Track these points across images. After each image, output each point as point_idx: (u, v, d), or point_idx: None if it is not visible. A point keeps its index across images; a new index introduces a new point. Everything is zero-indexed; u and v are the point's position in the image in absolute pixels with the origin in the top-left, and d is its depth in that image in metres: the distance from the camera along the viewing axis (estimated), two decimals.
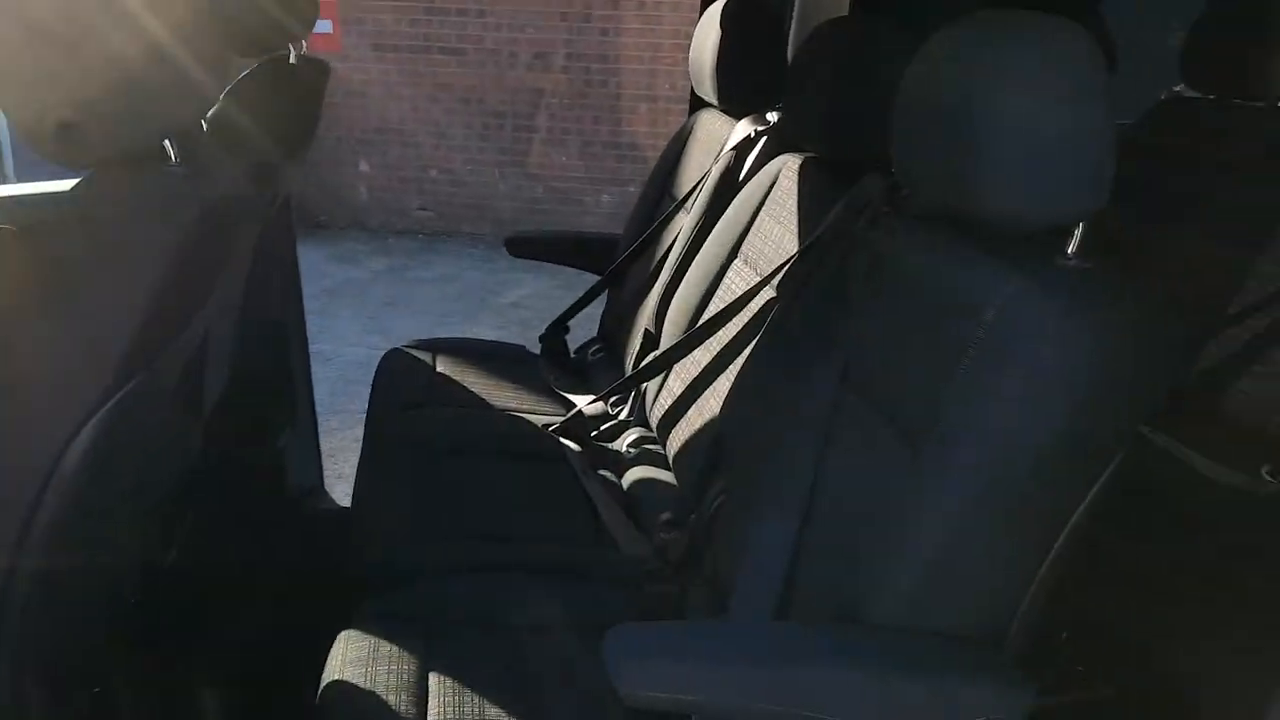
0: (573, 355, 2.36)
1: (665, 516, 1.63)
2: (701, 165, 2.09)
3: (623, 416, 1.98)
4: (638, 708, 0.93)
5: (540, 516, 1.63)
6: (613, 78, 5.79)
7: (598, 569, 1.50)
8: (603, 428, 1.96)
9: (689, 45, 2.10)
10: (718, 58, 1.96)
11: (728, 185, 1.91)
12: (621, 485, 1.79)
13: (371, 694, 1.15)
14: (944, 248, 1.11)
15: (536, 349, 2.35)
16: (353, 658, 1.21)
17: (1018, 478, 0.94)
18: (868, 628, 0.99)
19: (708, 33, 2.01)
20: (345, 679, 1.18)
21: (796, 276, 1.50)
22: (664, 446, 1.79)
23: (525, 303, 4.87)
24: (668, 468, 1.77)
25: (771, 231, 1.69)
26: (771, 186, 1.73)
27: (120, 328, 0.90)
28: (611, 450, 1.91)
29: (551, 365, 2.25)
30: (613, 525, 1.62)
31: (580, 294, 2.33)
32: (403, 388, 2.00)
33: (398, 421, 1.86)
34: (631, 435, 1.91)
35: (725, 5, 1.99)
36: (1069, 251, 1.00)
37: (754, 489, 1.31)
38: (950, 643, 0.99)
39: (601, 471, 1.82)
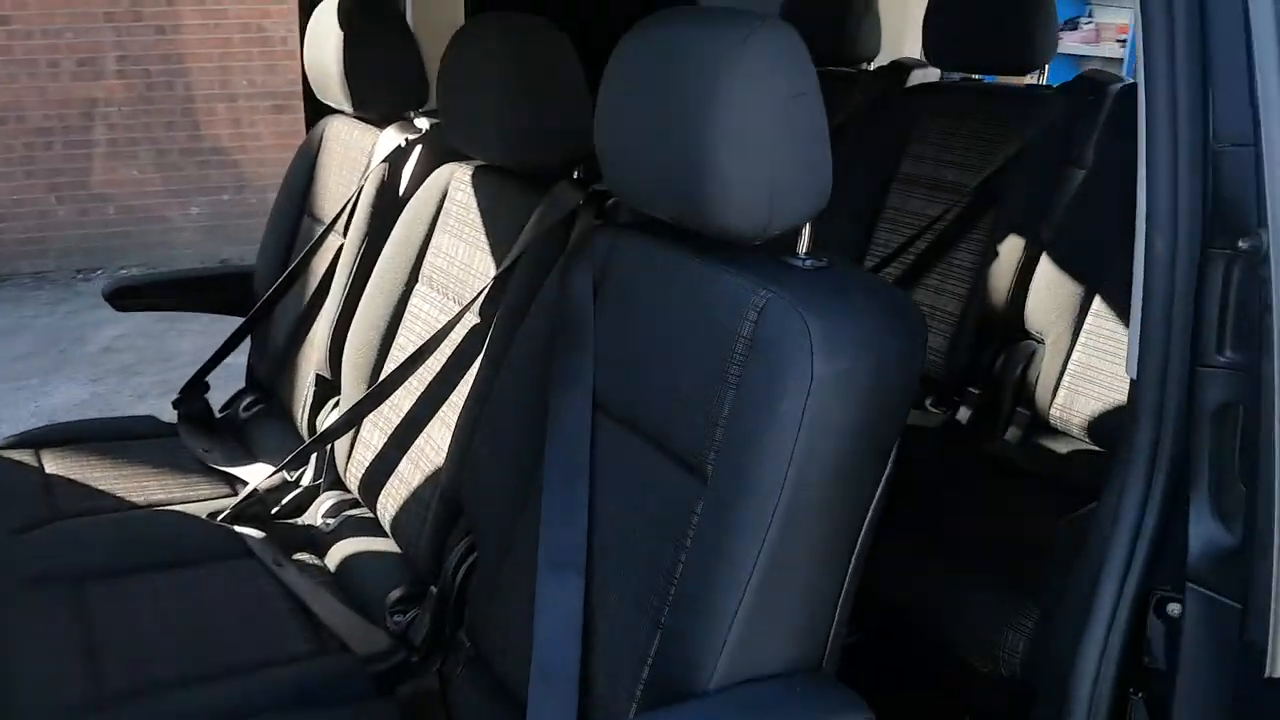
0: (219, 416, 2.00)
1: (396, 594, 1.40)
2: (344, 180, 1.83)
3: (306, 482, 1.69)
4: None
5: (236, 637, 1.33)
6: (179, 79, 5.15)
7: (332, 686, 1.25)
8: (285, 501, 1.66)
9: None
10: (346, 61, 1.72)
11: (387, 201, 1.68)
12: (328, 567, 1.53)
13: None
14: (676, 260, 1.04)
15: (167, 415, 1.96)
16: None
17: (813, 493, 0.89)
18: (706, 701, 0.89)
19: (326, 34, 1.75)
20: None
21: (505, 299, 1.35)
22: (372, 509, 1.55)
23: (121, 344, 4.17)
24: (381, 533, 1.54)
25: (454, 250, 1.50)
26: (442, 200, 1.54)
27: None
28: (303, 526, 1.63)
29: (196, 435, 1.88)
30: (334, 622, 1.36)
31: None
32: (10, 502, 1.56)
33: (15, 552, 1.44)
34: (326, 502, 1.64)
35: (340, 3, 1.75)
36: (801, 252, 0.98)
37: (515, 541, 1.16)
38: (781, 685, 0.92)
39: (298, 556, 1.54)
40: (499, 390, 1.24)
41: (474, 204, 1.48)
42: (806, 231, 0.98)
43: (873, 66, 2.44)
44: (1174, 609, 0.85)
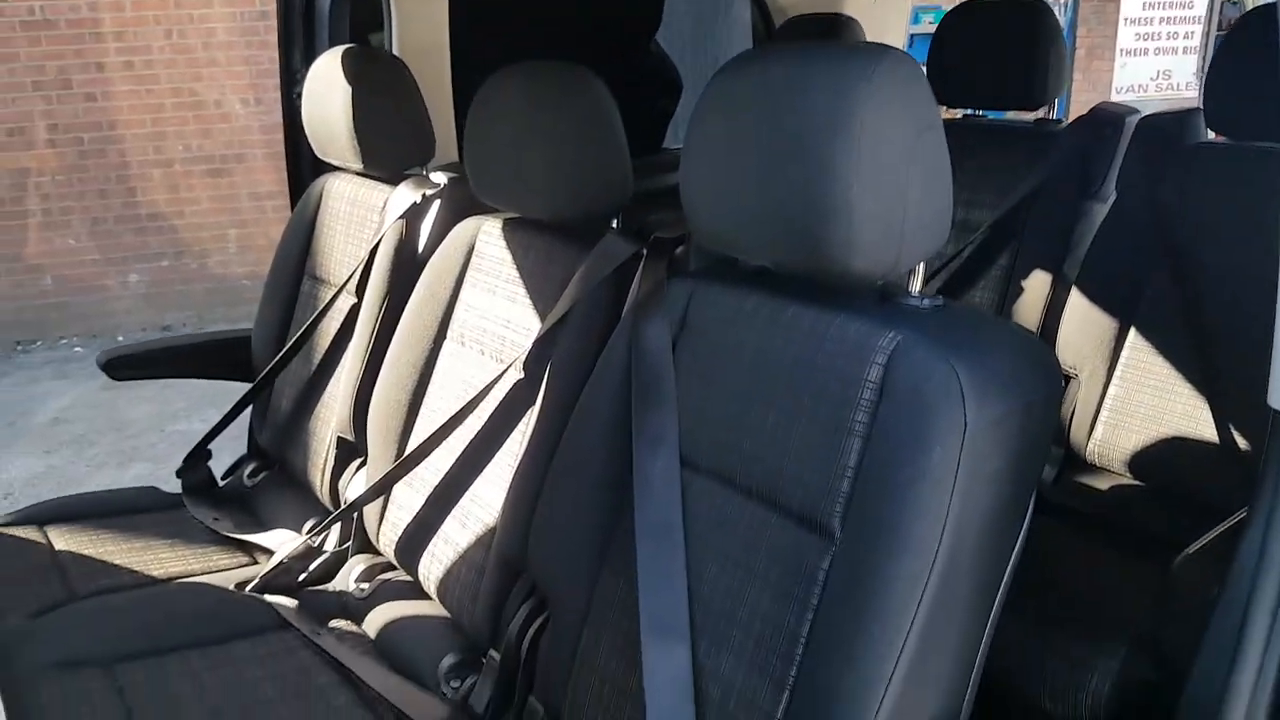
0: (221, 485, 1.93)
1: (449, 660, 1.36)
2: (352, 238, 1.80)
3: (332, 547, 1.64)
4: None
5: (286, 713, 1.27)
6: (112, 146, 5.05)
7: None
8: (313, 568, 1.61)
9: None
10: (355, 118, 1.70)
11: (406, 258, 1.66)
12: (367, 635, 1.48)
13: None
14: (775, 307, 1.01)
15: (152, 482, 1.90)
16: None
17: (969, 546, 0.85)
18: None
19: (329, 91, 1.74)
20: None
21: (555, 354, 1.33)
22: (412, 573, 1.50)
23: (70, 415, 4.01)
24: (421, 597, 1.49)
25: (487, 305, 1.49)
26: (469, 254, 1.53)
27: None
28: (334, 593, 1.57)
29: (203, 504, 1.81)
30: (389, 693, 1.31)
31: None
32: (22, 583, 1.48)
33: (36, 635, 1.36)
34: (357, 567, 1.59)
35: (344, 59, 1.73)
36: (914, 291, 0.97)
37: (595, 603, 1.13)
38: None
39: (334, 624, 1.49)
40: (565, 453, 1.20)
41: (508, 257, 1.47)
42: (920, 270, 0.95)
43: None
44: None
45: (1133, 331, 1.67)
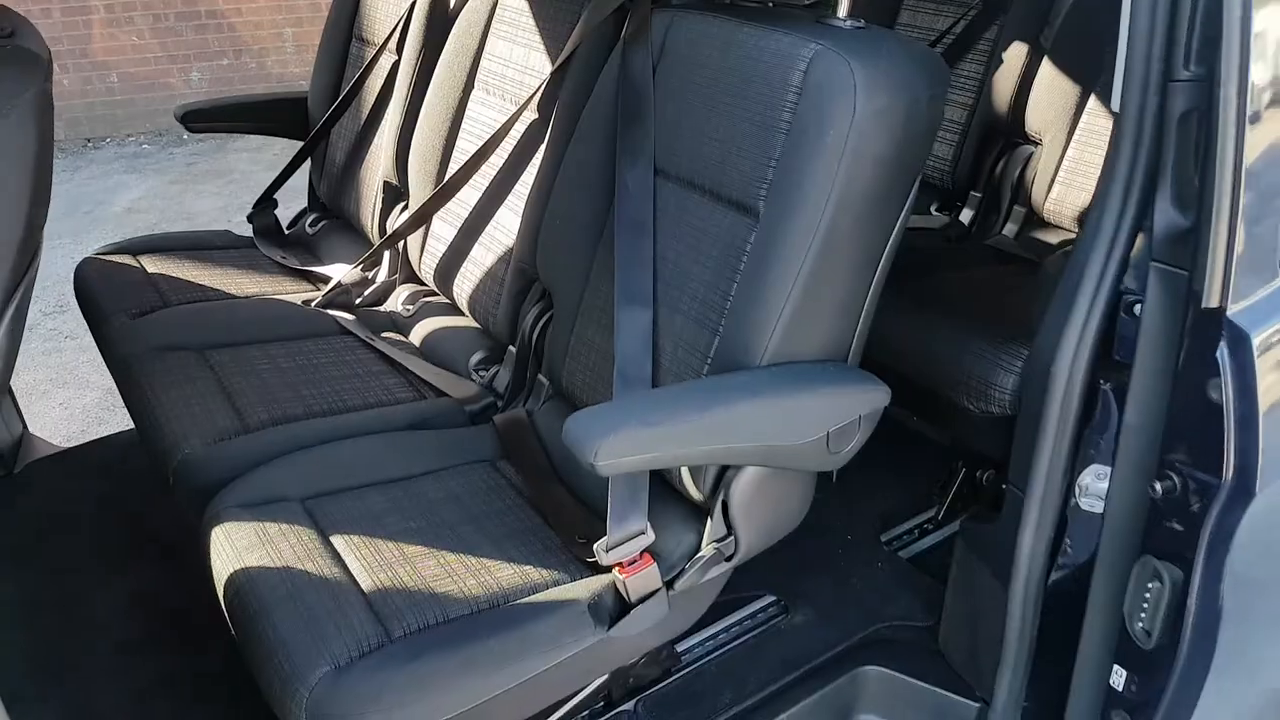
0: (287, 232, 2.19)
1: (478, 356, 1.63)
2: (392, 2, 1.97)
3: (382, 277, 1.90)
4: (608, 474, 1.02)
5: (349, 387, 1.56)
6: None
7: (438, 418, 1.49)
8: (367, 294, 1.87)
9: None
10: None
11: (439, 16, 1.84)
12: (413, 344, 1.75)
13: (286, 569, 1.09)
14: (731, 29, 1.21)
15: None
16: (243, 545, 1.14)
17: (851, 212, 1.08)
18: (757, 370, 1.11)
19: None
20: (247, 565, 1.11)
21: (562, 92, 1.52)
22: (447, 294, 1.76)
23: (142, 205, 4.33)
24: (457, 313, 1.75)
25: (510, 54, 1.67)
26: (493, 8, 1.70)
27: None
28: (385, 313, 1.84)
29: (271, 245, 2.08)
30: (430, 377, 1.59)
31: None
32: (123, 295, 1.76)
33: (139, 331, 1.65)
34: (403, 293, 1.85)
35: None
36: (841, 15, 1.15)
37: (587, 292, 1.37)
38: (816, 364, 1.14)
39: (386, 335, 1.76)
40: (566, 168, 1.43)
41: (526, 8, 1.64)
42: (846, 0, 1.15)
43: None
44: (1138, 307, 1.04)
45: (1091, 98, 1.82)
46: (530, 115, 1.60)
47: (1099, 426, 1.10)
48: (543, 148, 1.55)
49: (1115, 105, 1.06)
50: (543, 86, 1.55)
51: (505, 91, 1.67)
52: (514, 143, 1.62)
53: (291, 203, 2.24)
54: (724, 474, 1.14)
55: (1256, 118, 0.92)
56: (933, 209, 2.13)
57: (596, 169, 1.36)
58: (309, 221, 2.17)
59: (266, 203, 2.13)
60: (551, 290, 1.46)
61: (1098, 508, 1.12)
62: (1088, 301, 1.08)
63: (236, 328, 1.69)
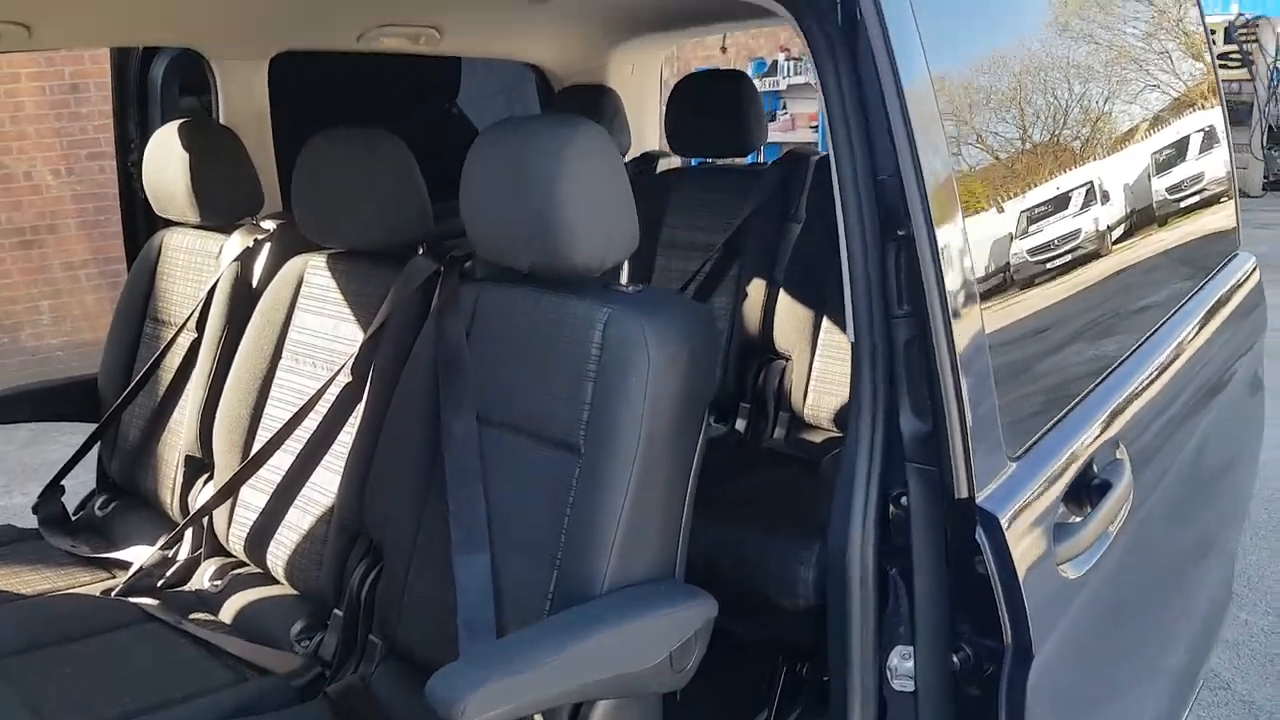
0: (75, 518, 2.08)
1: (298, 625, 1.60)
2: (192, 283, 2.03)
3: (185, 556, 1.84)
4: None
5: (164, 680, 1.48)
6: None
7: (265, 699, 1.44)
8: (169, 574, 1.80)
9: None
10: (193, 179, 1.95)
11: (242, 294, 1.91)
12: (224, 622, 1.69)
13: None
14: (534, 298, 1.37)
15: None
16: None
17: (659, 444, 1.23)
18: (598, 600, 1.19)
19: (167, 157, 1.98)
20: None
21: (377, 356, 1.62)
22: (260, 563, 1.73)
23: None
24: (269, 582, 1.72)
25: (318, 325, 1.75)
26: (299, 285, 1.80)
27: None
28: (191, 592, 1.77)
29: (59, 534, 1.97)
30: (249, 654, 1.54)
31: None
32: None
33: None
34: (210, 569, 1.79)
35: (180, 130, 1.98)
36: (623, 281, 1.34)
37: (419, 543, 1.41)
38: (649, 585, 1.24)
39: (195, 616, 1.69)
40: (390, 425, 1.50)
41: (333, 284, 1.75)
42: (626, 266, 1.35)
43: (627, 158, 2.92)
44: (904, 500, 1.20)
45: (825, 319, 2.19)
46: (344, 379, 1.67)
47: (894, 610, 1.23)
48: (360, 408, 1.62)
49: (850, 336, 1.26)
50: (358, 352, 1.64)
51: (315, 359, 1.74)
52: (328, 406, 1.68)
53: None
54: (577, 713, 1.18)
55: (959, 317, 1.13)
56: (711, 420, 2.37)
57: (420, 423, 1.44)
58: (99, 504, 2.08)
59: (54, 489, 2.03)
60: (381, 544, 1.49)
61: (910, 687, 1.23)
62: (862, 499, 1.23)
63: (32, 629, 1.57)
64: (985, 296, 1.16)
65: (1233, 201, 1.99)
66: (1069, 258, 1.36)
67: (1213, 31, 10.12)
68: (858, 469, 1.24)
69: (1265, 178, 10.98)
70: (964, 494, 1.11)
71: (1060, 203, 1.35)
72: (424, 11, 2.35)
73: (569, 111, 2.75)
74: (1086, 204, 1.40)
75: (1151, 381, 1.47)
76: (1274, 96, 10.69)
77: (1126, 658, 1.42)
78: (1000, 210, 1.24)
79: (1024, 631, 1.09)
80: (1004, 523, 1.10)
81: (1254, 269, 1.97)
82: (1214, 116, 1.90)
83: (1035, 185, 1.32)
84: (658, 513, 1.25)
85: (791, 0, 1.17)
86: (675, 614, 1.21)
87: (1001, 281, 1.22)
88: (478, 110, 3.43)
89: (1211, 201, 1.92)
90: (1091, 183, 1.42)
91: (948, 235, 1.11)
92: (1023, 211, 1.29)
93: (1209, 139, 1.89)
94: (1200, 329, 1.68)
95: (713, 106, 2.43)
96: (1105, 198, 1.45)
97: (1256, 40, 10.48)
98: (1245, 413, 1.97)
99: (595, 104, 2.80)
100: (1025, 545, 1.13)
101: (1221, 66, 10.06)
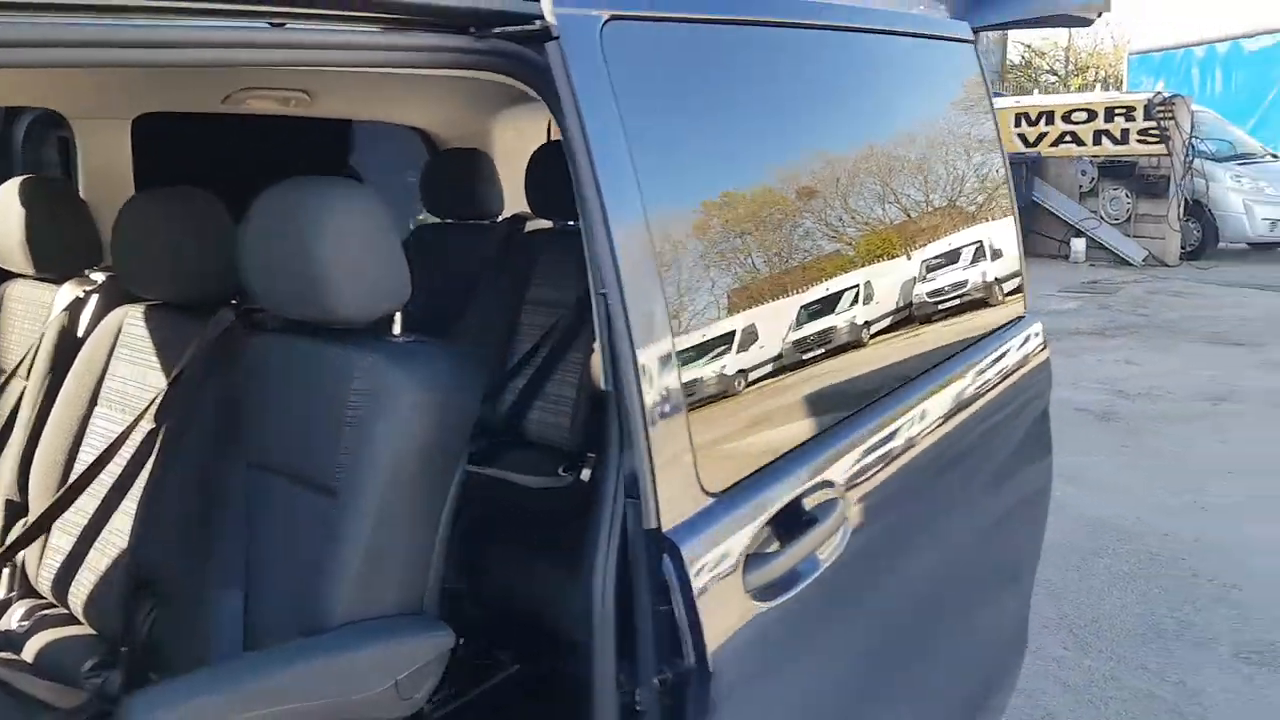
0: None
1: (90, 663, 1.64)
2: (27, 332, 2.10)
3: None
4: None
5: None
6: None
7: None
8: None
9: None
10: (28, 232, 2.03)
11: (68, 343, 1.98)
12: (25, 660, 1.73)
13: None
14: (306, 347, 1.46)
15: None
16: None
17: (403, 487, 1.32)
18: (327, 633, 1.26)
19: (7, 211, 2.06)
20: None
21: (175, 403, 1.69)
22: (64, 604, 1.77)
23: None
24: (72, 623, 1.76)
25: (131, 374, 1.82)
26: (118, 334, 1.87)
27: None
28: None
29: None
30: (38, 691, 1.58)
31: None
32: None
33: None
34: (18, 610, 1.83)
35: (21, 186, 2.06)
36: (396, 332, 1.44)
37: (193, 585, 1.47)
38: (384, 620, 1.31)
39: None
40: (175, 471, 1.57)
41: (147, 334, 1.83)
42: (399, 317, 1.45)
43: (500, 219, 3.04)
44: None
45: None
46: (148, 425, 1.74)
47: (631, 635, 1.31)
48: (155, 453, 1.68)
49: (606, 384, 1.36)
50: (156, 400, 1.71)
51: (126, 406, 1.81)
52: (132, 451, 1.74)
53: None
54: None
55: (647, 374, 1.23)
56: (560, 470, 2.44)
57: (199, 468, 1.52)
58: None
59: None
60: (162, 584, 1.55)
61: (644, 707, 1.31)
62: (606, 532, 1.30)
63: None
64: (683, 355, 1.25)
65: (1016, 273, 2.10)
66: (780, 319, 1.47)
67: (1132, 108, 10.58)
68: (604, 506, 1.34)
69: (1182, 248, 11.42)
70: (653, 525, 1.20)
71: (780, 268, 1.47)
72: (291, 76, 2.47)
73: (445, 173, 2.90)
74: (806, 264, 1.52)
75: (887, 434, 1.58)
76: (1190, 171, 11.17)
77: (852, 685, 1.51)
78: (710, 272, 1.36)
79: (703, 654, 1.18)
80: (686, 552, 1.19)
81: (1038, 333, 2.10)
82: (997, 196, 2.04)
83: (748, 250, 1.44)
84: (401, 551, 1.33)
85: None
86: (403, 645, 1.29)
87: (702, 339, 1.32)
88: (377, 173, 3.58)
89: (976, 275, 2.03)
90: (800, 240, 1.54)
91: (640, 295, 1.21)
92: (742, 282, 1.40)
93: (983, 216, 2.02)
94: (956, 388, 1.79)
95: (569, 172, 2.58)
96: (826, 256, 1.57)
97: (1173, 117, 10.99)
98: (1020, 466, 2.08)
99: (469, 167, 2.94)
100: (711, 574, 1.22)
101: (1140, 142, 10.52)
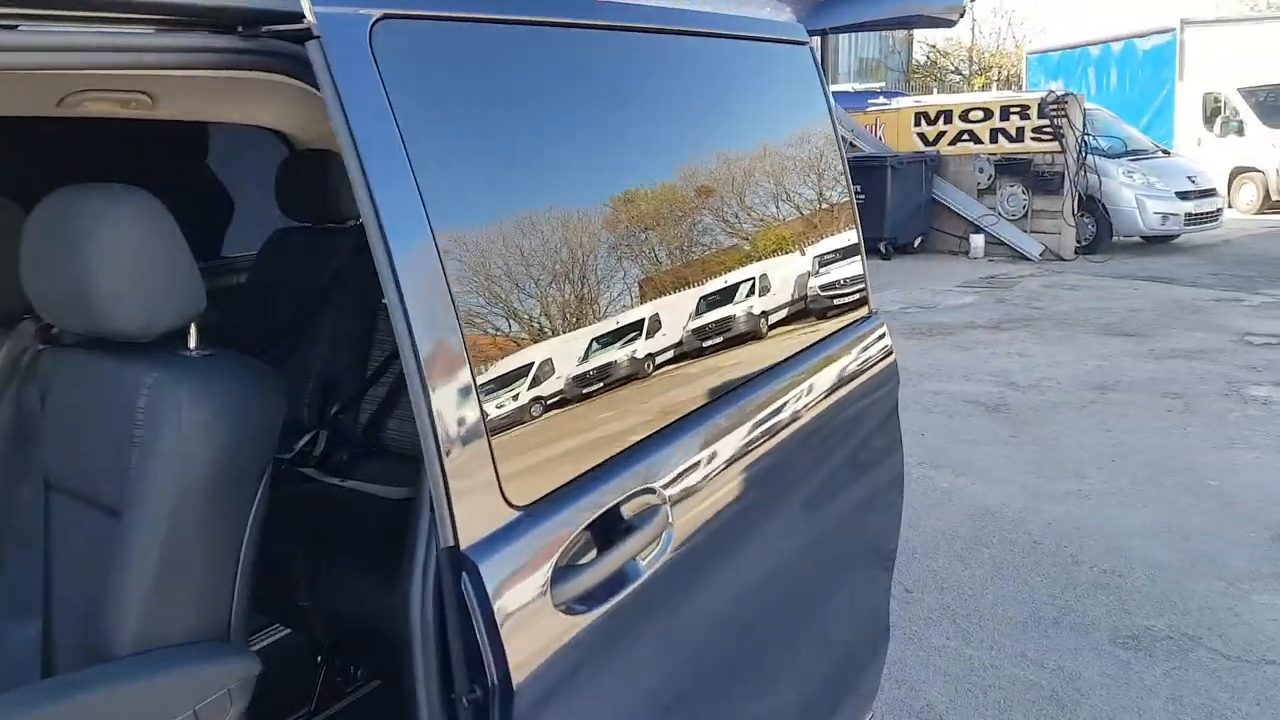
0: None
1: None
2: None
3: None
4: None
5: None
6: None
7: None
8: None
9: None
10: None
11: None
12: None
13: None
14: (98, 363, 1.40)
15: None
16: None
17: (194, 508, 1.26)
18: (116, 661, 1.20)
19: None
20: None
21: None
22: None
23: None
24: None
25: None
26: None
27: None
28: None
29: None
30: None
31: None
32: None
33: None
34: None
35: None
36: (191, 346, 1.38)
37: None
38: (178, 647, 1.26)
39: None
40: None
41: None
42: (193, 330, 1.38)
43: (355, 223, 2.96)
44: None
45: None
46: None
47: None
48: None
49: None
50: None
51: None
52: None
53: None
54: None
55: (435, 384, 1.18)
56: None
57: (3, 496, 1.43)
58: None
59: None
60: None
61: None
62: (423, 548, 1.25)
63: None
64: (479, 364, 1.20)
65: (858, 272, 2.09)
66: (596, 326, 1.42)
67: (1026, 107, 10.86)
68: (419, 521, 1.29)
69: (1078, 243, 11.81)
70: (450, 542, 1.16)
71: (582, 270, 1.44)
72: (126, 79, 2.36)
73: (298, 175, 2.82)
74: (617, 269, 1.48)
75: (717, 439, 1.55)
76: (1083, 167, 11.55)
77: (690, 687, 1.49)
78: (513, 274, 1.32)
79: (505, 670, 1.14)
80: (486, 569, 1.15)
81: (883, 332, 2.11)
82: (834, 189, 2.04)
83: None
84: (196, 576, 1.27)
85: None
86: (200, 672, 1.23)
87: (502, 349, 1.27)
88: (230, 171, 3.45)
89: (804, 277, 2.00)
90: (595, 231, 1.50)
91: (425, 303, 1.17)
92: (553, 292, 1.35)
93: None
94: (795, 390, 1.77)
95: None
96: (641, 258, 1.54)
97: (1066, 115, 11.35)
98: (869, 460, 2.09)
99: (322, 169, 2.85)
100: (514, 588, 1.18)
101: (1035, 139, 10.81)
